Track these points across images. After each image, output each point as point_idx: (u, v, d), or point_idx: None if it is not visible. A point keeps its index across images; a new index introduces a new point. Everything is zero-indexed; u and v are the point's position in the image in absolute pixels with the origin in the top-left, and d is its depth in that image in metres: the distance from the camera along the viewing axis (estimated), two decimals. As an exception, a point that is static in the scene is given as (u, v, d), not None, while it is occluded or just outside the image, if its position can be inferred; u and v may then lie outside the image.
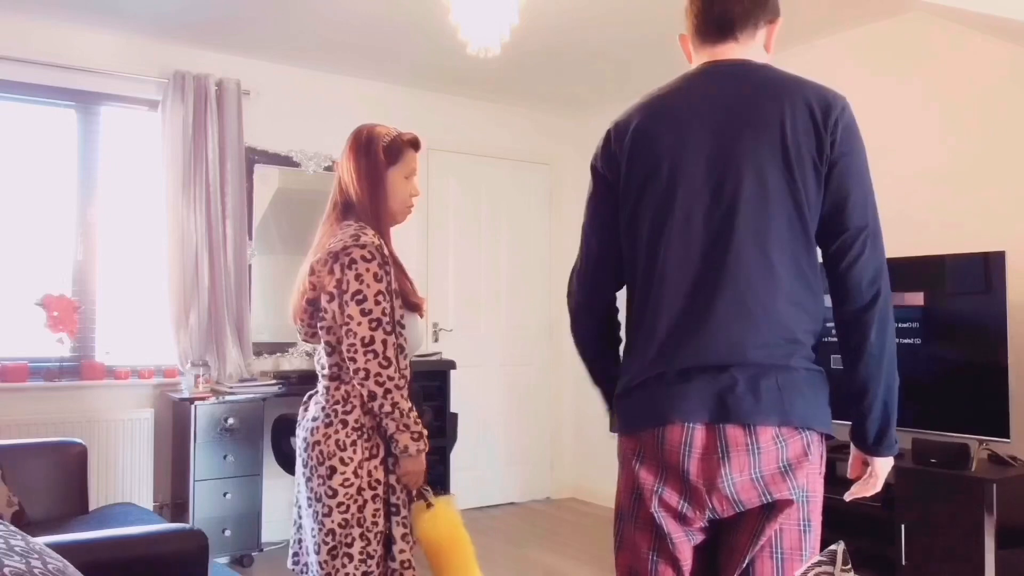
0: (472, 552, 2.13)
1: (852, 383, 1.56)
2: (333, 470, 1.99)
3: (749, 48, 1.63)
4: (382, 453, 2.04)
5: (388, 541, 2.07)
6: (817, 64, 4.14)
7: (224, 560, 3.98)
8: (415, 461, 2.03)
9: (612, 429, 1.70)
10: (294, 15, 3.95)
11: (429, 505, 2.11)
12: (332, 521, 1.99)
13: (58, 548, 1.55)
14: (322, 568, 2.01)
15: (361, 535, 2.00)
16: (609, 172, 1.67)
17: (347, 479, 1.99)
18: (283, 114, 4.70)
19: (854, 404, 1.57)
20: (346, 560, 2.00)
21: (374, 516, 2.02)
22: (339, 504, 1.99)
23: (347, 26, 4.08)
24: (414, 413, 2.02)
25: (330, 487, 1.99)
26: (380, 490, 2.03)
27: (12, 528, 1.21)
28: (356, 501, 2.00)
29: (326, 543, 2.01)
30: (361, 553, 2.00)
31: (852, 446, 1.64)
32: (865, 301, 1.52)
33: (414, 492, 2.10)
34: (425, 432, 2.03)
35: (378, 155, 2.11)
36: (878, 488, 1.64)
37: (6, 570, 1.02)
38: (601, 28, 4.07)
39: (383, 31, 4.14)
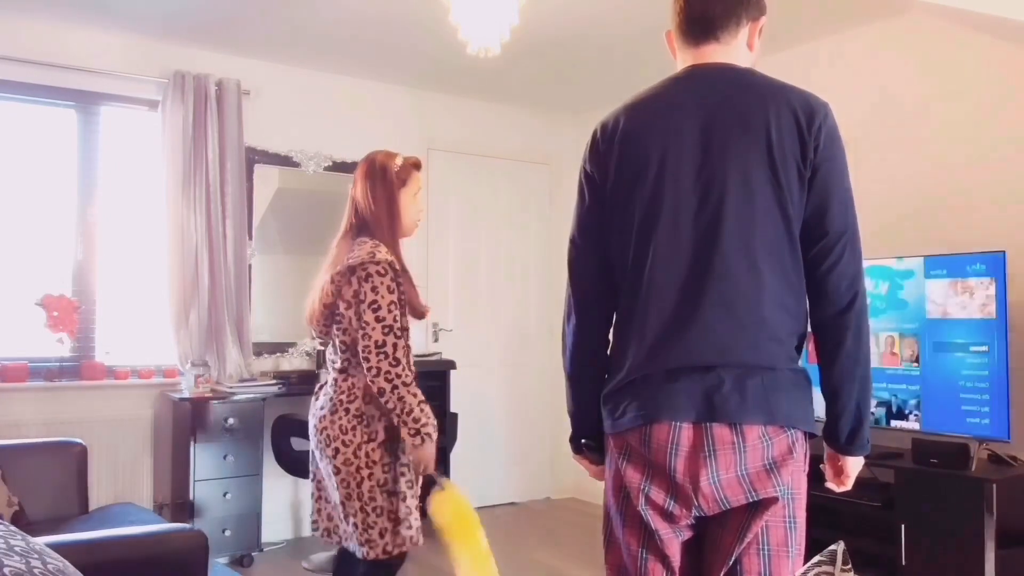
0: (476, 521, 2.35)
1: (827, 384, 1.59)
2: (337, 451, 2.32)
3: (731, 48, 1.65)
4: (380, 437, 2.33)
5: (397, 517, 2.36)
6: (817, 64, 4.14)
7: (224, 560, 3.98)
8: (418, 451, 2.30)
9: (576, 451, 1.81)
10: (294, 15, 3.95)
11: (440, 489, 2.38)
12: (341, 494, 2.33)
13: (58, 548, 1.55)
14: (356, 529, 2.32)
15: (361, 508, 2.31)
16: (598, 173, 1.69)
17: (347, 459, 2.31)
18: (283, 114, 4.70)
19: (828, 404, 1.61)
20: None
21: (370, 492, 2.31)
22: (342, 480, 2.32)
23: (347, 26, 4.08)
24: (421, 408, 2.26)
25: (335, 465, 2.33)
26: (376, 469, 2.31)
27: (12, 528, 1.21)
28: (355, 478, 2.31)
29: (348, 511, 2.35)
30: (363, 523, 2.32)
31: (825, 444, 1.67)
32: (843, 304, 1.55)
33: (422, 476, 2.39)
34: (423, 427, 2.27)
35: (392, 181, 2.42)
36: (848, 486, 1.68)
37: (6, 570, 1.02)
38: (601, 28, 4.07)
39: (383, 31, 4.14)
